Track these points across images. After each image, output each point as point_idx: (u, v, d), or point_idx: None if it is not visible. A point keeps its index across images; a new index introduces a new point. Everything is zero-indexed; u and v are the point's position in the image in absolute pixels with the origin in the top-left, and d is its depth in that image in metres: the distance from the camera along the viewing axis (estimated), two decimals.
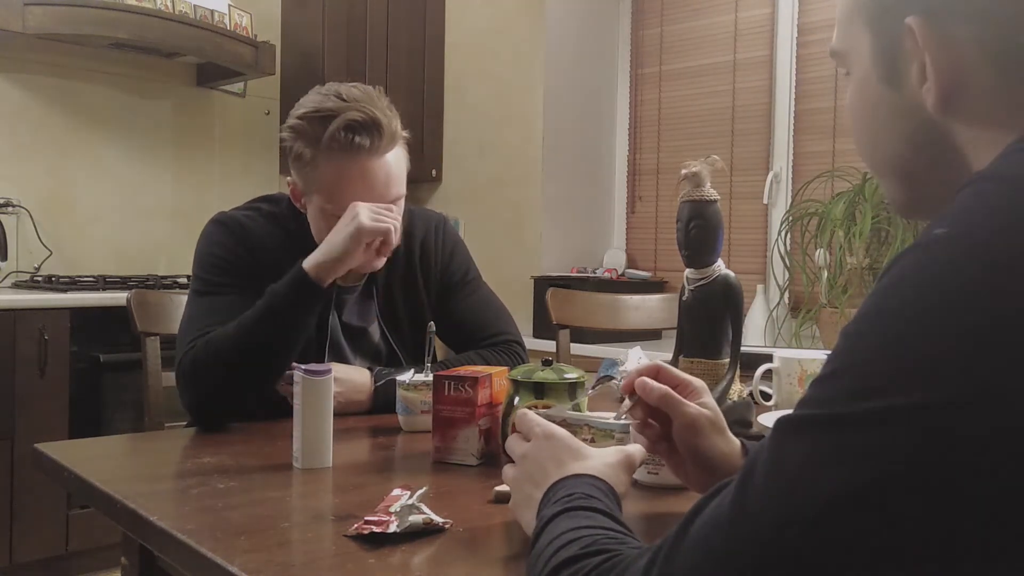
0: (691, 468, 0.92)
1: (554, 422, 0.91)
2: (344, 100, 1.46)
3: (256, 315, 1.41)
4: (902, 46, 0.62)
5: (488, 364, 1.57)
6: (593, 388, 1.08)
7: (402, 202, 1.55)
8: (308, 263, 1.44)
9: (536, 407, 1.13)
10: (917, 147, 0.65)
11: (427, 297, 1.67)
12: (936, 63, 0.60)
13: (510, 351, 1.65)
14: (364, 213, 1.44)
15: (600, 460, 0.81)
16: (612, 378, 1.04)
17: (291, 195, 1.57)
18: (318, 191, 1.49)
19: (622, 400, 0.97)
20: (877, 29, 0.65)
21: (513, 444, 0.89)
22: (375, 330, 1.65)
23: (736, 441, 0.93)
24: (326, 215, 1.49)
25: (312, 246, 1.56)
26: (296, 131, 1.48)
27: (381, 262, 1.53)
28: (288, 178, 1.56)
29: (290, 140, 1.49)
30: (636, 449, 0.86)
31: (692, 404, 0.92)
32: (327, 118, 1.44)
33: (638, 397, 0.95)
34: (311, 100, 1.49)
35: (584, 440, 0.96)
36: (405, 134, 1.53)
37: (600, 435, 0.96)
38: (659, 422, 0.95)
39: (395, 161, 1.51)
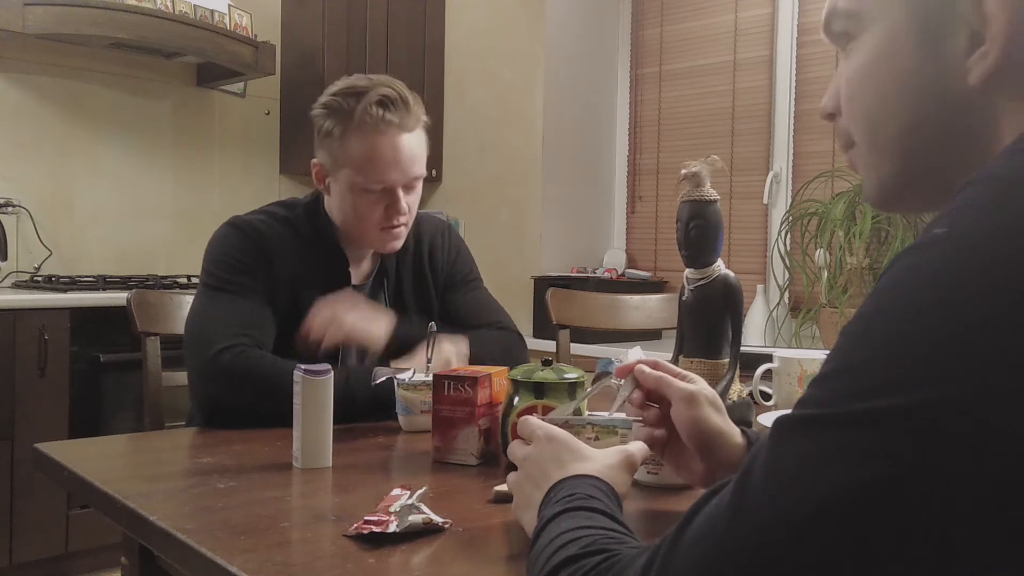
0: (690, 452, 0.93)
1: (556, 424, 0.91)
2: (373, 81, 1.56)
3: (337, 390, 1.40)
4: (953, 7, 0.60)
5: (482, 343, 1.60)
6: (592, 385, 1.08)
7: (420, 184, 1.62)
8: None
9: (536, 407, 1.14)
10: (936, 121, 0.62)
11: (435, 293, 1.73)
12: (1006, 28, 0.57)
13: (503, 328, 1.71)
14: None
15: (601, 461, 0.82)
16: (609, 374, 1.04)
17: (315, 177, 1.61)
18: (348, 164, 1.54)
19: (618, 389, 0.98)
20: None
21: (515, 448, 0.89)
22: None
23: (733, 425, 0.93)
24: (355, 189, 1.55)
25: (328, 250, 1.58)
26: (328, 107, 1.56)
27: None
28: (313, 159, 1.61)
29: (322, 117, 1.56)
30: (637, 448, 0.87)
31: (690, 383, 0.94)
32: (360, 94, 1.53)
33: (636, 383, 0.96)
34: (340, 83, 1.58)
35: (588, 439, 0.97)
36: (426, 119, 1.60)
37: (603, 432, 0.97)
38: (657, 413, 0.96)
39: (419, 142, 1.59)
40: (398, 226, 1.59)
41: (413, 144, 1.56)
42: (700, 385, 0.95)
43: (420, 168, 1.58)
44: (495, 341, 1.66)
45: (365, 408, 1.43)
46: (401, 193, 1.56)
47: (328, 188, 1.60)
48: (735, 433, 0.93)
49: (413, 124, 1.56)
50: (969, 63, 0.59)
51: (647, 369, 0.96)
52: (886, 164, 0.67)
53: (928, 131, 0.63)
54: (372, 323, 1.54)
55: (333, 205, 1.61)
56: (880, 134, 0.66)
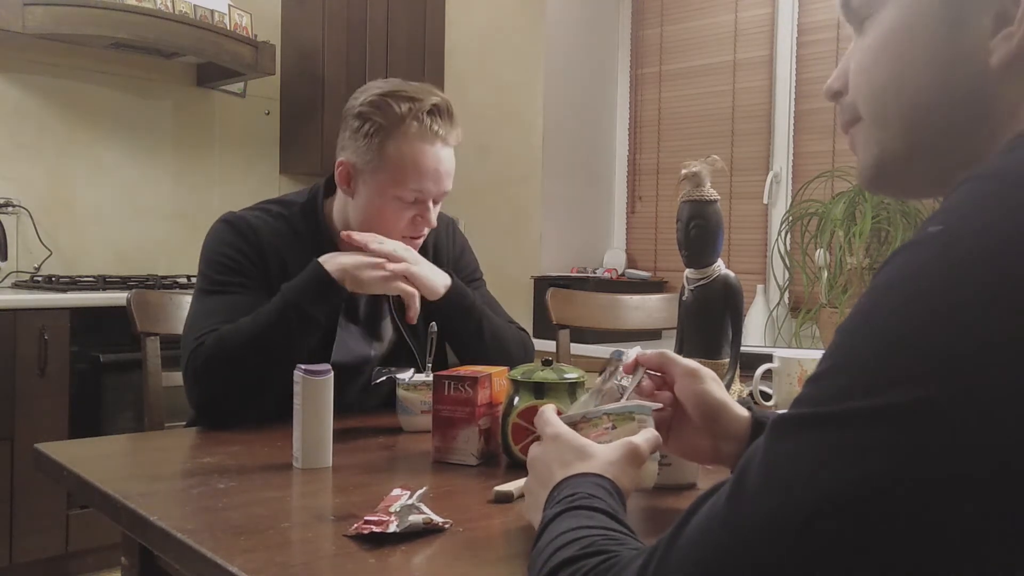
0: (696, 430, 0.94)
1: (574, 421, 0.91)
2: (422, 88, 1.53)
3: (273, 311, 1.42)
4: None
5: (498, 331, 1.61)
6: (603, 372, 1.07)
7: (441, 203, 1.60)
8: (332, 266, 1.45)
9: (536, 407, 1.13)
10: (952, 101, 0.61)
11: None
12: None
13: (520, 330, 1.70)
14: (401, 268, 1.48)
15: (604, 459, 0.81)
16: (619, 359, 1.04)
17: (338, 177, 1.56)
18: (387, 169, 1.50)
19: (620, 391, 0.98)
20: None
21: (531, 449, 0.90)
22: (387, 324, 1.66)
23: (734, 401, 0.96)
24: (387, 195, 1.52)
25: (322, 249, 1.56)
26: (377, 107, 1.50)
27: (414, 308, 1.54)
28: (340, 158, 1.56)
29: (366, 116, 1.51)
30: (644, 439, 0.86)
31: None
32: (413, 100, 1.50)
33: (641, 372, 0.98)
34: (385, 84, 1.54)
35: (606, 428, 0.96)
36: (460, 141, 1.59)
37: (620, 420, 0.96)
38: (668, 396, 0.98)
39: (454, 158, 1.57)
40: (419, 237, 1.58)
41: (451, 159, 1.55)
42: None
43: (450, 184, 1.57)
44: (515, 337, 1.67)
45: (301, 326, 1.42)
46: (431, 205, 1.55)
47: (353, 190, 1.55)
48: (738, 407, 0.94)
49: (453, 140, 1.55)
50: (992, 44, 0.58)
51: (648, 352, 0.98)
52: (889, 138, 0.65)
53: (939, 110, 0.62)
54: (436, 272, 1.55)
55: (355, 207, 1.56)
56: (889, 107, 0.65)
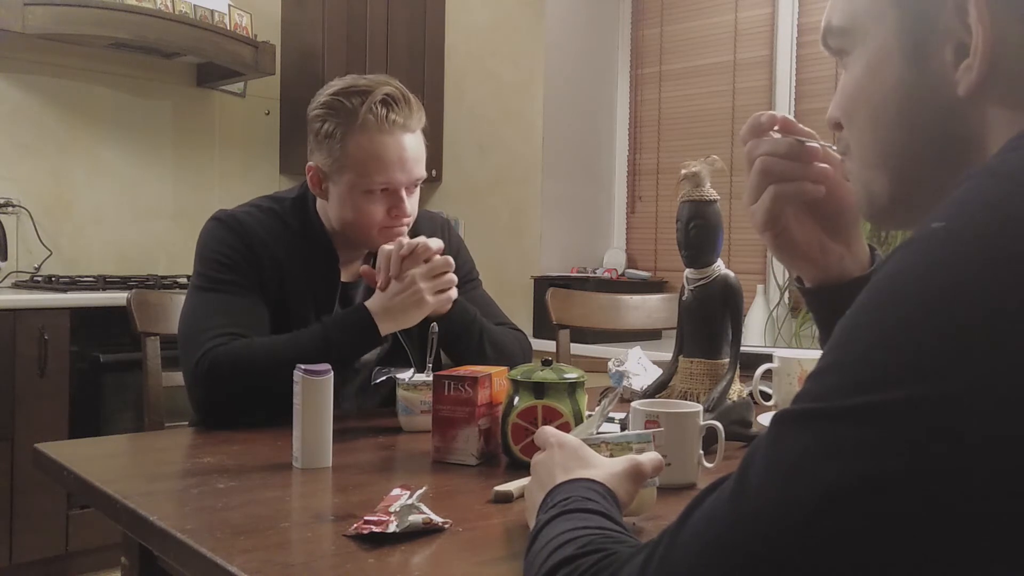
0: (837, 228, 0.93)
1: None
2: (374, 80, 1.54)
3: (313, 345, 1.41)
4: (938, 22, 0.61)
5: (496, 340, 1.60)
6: (600, 403, 1.07)
7: (418, 188, 1.60)
8: (379, 314, 1.44)
9: (536, 407, 1.14)
10: (927, 134, 0.63)
11: None
12: (986, 40, 0.58)
13: (515, 329, 1.69)
14: (426, 288, 1.46)
15: (605, 469, 0.82)
16: (615, 388, 1.05)
17: (310, 182, 1.58)
18: (351, 166, 1.51)
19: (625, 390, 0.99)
20: (908, 2, 0.63)
21: (535, 456, 0.90)
22: None
23: None
24: (357, 191, 1.52)
25: (316, 244, 1.56)
26: (330, 107, 1.52)
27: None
28: (309, 163, 1.57)
29: (322, 117, 1.53)
30: (648, 458, 0.86)
31: None
32: (363, 93, 1.50)
33: (614, 398, 1.02)
34: (339, 83, 1.55)
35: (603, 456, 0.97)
36: (425, 122, 1.59)
37: (618, 449, 0.97)
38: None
39: (420, 143, 1.57)
40: (400, 227, 1.57)
41: (416, 145, 1.55)
42: None
43: (422, 170, 1.57)
44: (515, 341, 1.66)
45: (340, 354, 1.42)
46: (404, 194, 1.54)
47: (325, 192, 1.57)
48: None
49: (416, 125, 1.55)
50: (957, 75, 0.60)
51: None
52: (877, 181, 0.68)
53: (921, 146, 0.64)
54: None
55: (331, 208, 1.57)
56: (874, 153, 0.68)
